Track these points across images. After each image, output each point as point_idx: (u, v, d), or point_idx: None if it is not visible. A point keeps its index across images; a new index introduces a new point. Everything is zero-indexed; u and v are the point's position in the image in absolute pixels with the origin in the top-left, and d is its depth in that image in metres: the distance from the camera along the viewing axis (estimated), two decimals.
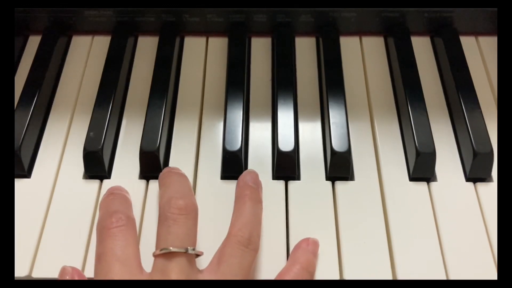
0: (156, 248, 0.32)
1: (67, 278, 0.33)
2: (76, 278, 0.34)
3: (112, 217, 0.33)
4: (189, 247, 0.31)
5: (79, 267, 0.35)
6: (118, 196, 0.36)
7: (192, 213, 0.33)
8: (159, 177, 0.37)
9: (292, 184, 0.39)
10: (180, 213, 0.32)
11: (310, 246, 0.35)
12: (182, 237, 0.32)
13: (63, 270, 0.34)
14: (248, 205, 0.35)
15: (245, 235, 0.33)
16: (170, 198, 0.33)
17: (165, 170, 0.37)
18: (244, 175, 0.37)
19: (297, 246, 0.36)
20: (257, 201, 0.36)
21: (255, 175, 0.38)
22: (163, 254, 0.31)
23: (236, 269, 0.32)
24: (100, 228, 0.33)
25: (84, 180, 0.40)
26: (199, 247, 0.36)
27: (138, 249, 0.33)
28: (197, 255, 0.33)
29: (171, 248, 0.31)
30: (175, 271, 0.31)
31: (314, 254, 0.35)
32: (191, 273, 0.31)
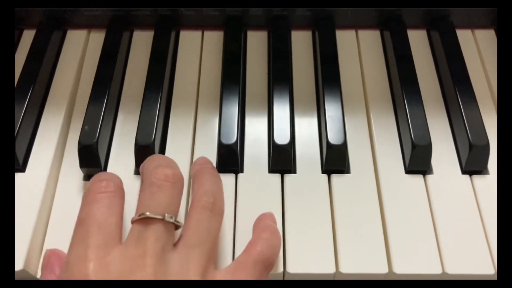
0: (135, 214, 0.31)
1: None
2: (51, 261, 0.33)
3: (102, 182, 0.33)
4: (167, 214, 0.31)
5: None
6: (111, 174, 0.36)
7: (178, 182, 0.33)
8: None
9: (288, 177, 0.39)
10: (166, 180, 0.32)
11: (269, 217, 0.36)
12: (164, 205, 0.31)
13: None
14: (208, 177, 0.35)
15: (210, 200, 0.33)
16: (158, 165, 0.33)
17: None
18: (196, 160, 0.38)
19: (257, 220, 0.36)
20: (216, 175, 0.36)
21: (206, 158, 0.38)
22: (141, 220, 0.30)
23: (204, 234, 0.32)
24: (86, 192, 0.33)
25: (79, 174, 0.39)
26: None
27: (121, 219, 0.32)
28: (177, 227, 0.32)
29: (148, 213, 0.30)
30: (151, 239, 0.30)
31: (275, 223, 0.35)
32: (166, 243, 0.31)
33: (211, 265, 0.32)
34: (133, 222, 0.31)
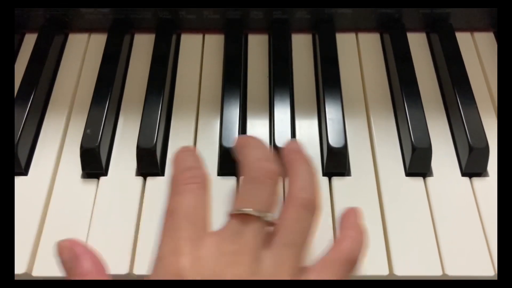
0: (234, 208, 0.30)
1: (66, 254, 0.30)
2: (76, 251, 0.30)
3: (188, 172, 0.32)
4: (268, 213, 0.30)
5: None
6: (192, 152, 0.35)
7: (277, 180, 0.31)
8: (236, 140, 0.36)
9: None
10: (268, 177, 0.31)
11: (357, 213, 0.34)
12: (266, 202, 0.30)
13: (59, 247, 0.30)
14: (304, 167, 0.33)
15: (308, 197, 0.31)
16: (258, 159, 0.31)
17: (240, 136, 0.36)
18: (289, 144, 0.36)
19: (344, 215, 0.34)
20: (312, 166, 0.34)
21: (300, 144, 0.36)
22: (240, 215, 0.29)
23: (300, 234, 0.30)
24: (175, 181, 0.32)
25: (81, 177, 0.40)
26: None
27: (209, 211, 0.31)
28: (272, 224, 0.31)
29: (251, 209, 0.29)
30: (249, 236, 0.29)
31: (361, 220, 0.34)
32: (262, 241, 0.30)
33: (300, 265, 0.31)
34: (230, 215, 0.30)
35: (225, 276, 0.28)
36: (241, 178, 0.33)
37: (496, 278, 0.35)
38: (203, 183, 0.32)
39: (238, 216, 0.30)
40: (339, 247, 0.31)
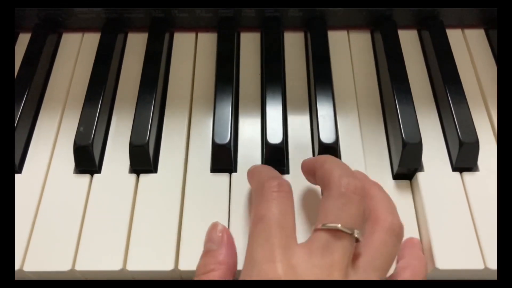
0: (320, 222, 0.30)
1: (218, 234, 0.33)
2: (225, 235, 0.33)
3: (275, 180, 0.32)
4: (356, 230, 0.30)
5: (70, 260, 0.36)
6: (269, 167, 0.36)
7: (364, 197, 0.31)
8: (302, 163, 0.37)
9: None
10: (355, 193, 0.31)
11: (417, 245, 0.35)
12: (355, 219, 0.30)
13: (214, 225, 0.34)
14: (383, 193, 0.34)
15: (397, 223, 0.32)
16: (346, 176, 0.31)
17: (308, 159, 0.37)
18: (357, 173, 0.35)
19: (405, 244, 0.35)
20: (385, 191, 0.35)
21: (362, 173, 0.37)
22: (329, 230, 0.29)
23: (387, 259, 0.31)
24: (261, 188, 0.32)
25: (75, 174, 0.40)
26: (190, 237, 0.36)
27: (295, 220, 0.31)
28: (357, 240, 0.30)
29: (339, 225, 0.29)
30: (339, 252, 0.29)
31: (422, 251, 0.35)
32: (350, 257, 0.30)
33: None
34: (318, 230, 0.30)
35: None
36: (325, 193, 0.32)
37: (485, 271, 0.35)
38: (289, 193, 0.32)
39: (328, 231, 0.30)
40: (402, 273, 0.32)
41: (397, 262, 0.34)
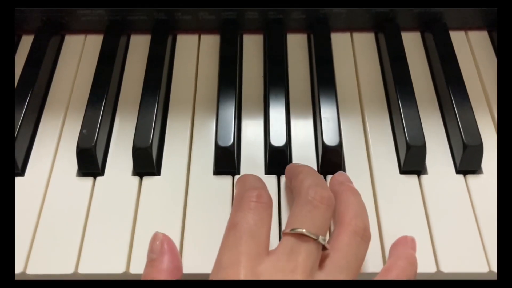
0: (287, 227, 0.31)
1: (157, 243, 0.34)
2: (165, 244, 0.34)
3: (255, 191, 0.33)
4: (321, 236, 0.31)
5: (73, 263, 0.35)
6: (257, 176, 0.36)
7: (331, 207, 0.33)
8: (286, 169, 0.38)
9: (284, 178, 0.39)
10: (322, 202, 0.32)
11: (410, 243, 0.35)
12: (318, 225, 0.31)
13: (155, 236, 0.35)
14: (354, 198, 0.35)
15: (361, 225, 0.33)
16: (315, 185, 0.33)
17: (291, 164, 0.38)
18: (337, 176, 0.38)
19: (397, 242, 0.35)
20: (359, 195, 0.35)
21: (347, 176, 0.38)
22: (295, 235, 0.31)
23: (353, 260, 0.32)
24: (240, 198, 0.33)
25: (78, 177, 0.40)
26: (192, 239, 0.36)
27: (270, 231, 0.32)
28: (324, 248, 0.32)
29: (304, 230, 0.30)
30: (303, 255, 0.30)
31: (414, 250, 0.35)
32: (315, 262, 0.31)
33: None
34: (285, 234, 0.31)
35: None
36: (295, 201, 0.34)
37: (489, 276, 0.35)
38: (268, 204, 0.33)
39: (293, 235, 0.31)
40: (386, 275, 0.33)
41: (388, 257, 0.35)
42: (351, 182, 0.37)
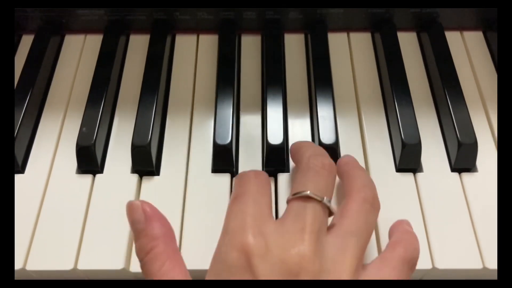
0: (291, 193, 0.31)
1: (139, 212, 0.31)
2: (147, 209, 0.31)
3: (253, 172, 0.34)
4: (325, 197, 0.31)
5: (72, 260, 0.36)
6: (257, 171, 0.36)
7: (333, 172, 0.33)
8: (290, 150, 0.38)
9: (281, 176, 0.40)
10: (323, 168, 0.32)
11: (407, 225, 0.35)
12: (321, 187, 0.31)
13: (132, 204, 0.31)
14: (362, 172, 0.35)
15: (370, 193, 0.33)
16: (316, 155, 0.33)
17: (294, 144, 0.38)
18: (344, 158, 0.37)
19: (396, 224, 0.35)
20: (366, 171, 0.36)
21: (353, 158, 0.38)
22: (300, 198, 0.31)
23: (363, 226, 0.31)
24: (240, 176, 0.34)
25: (77, 175, 0.40)
26: (191, 237, 0.37)
27: (271, 200, 0.32)
28: (330, 213, 0.32)
29: (308, 192, 0.30)
30: (310, 215, 0.30)
31: (411, 227, 0.35)
32: (322, 224, 0.30)
33: (362, 259, 0.31)
34: (289, 200, 0.31)
35: (289, 253, 0.28)
36: (297, 171, 0.34)
37: (483, 270, 0.35)
38: (267, 180, 0.34)
39: (298, 199, 0.31)
40: (396, 246, 0.32)
41: (389, 239, 0.35)
42: (357, 162, 0.37)
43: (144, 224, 0.30)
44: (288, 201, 0.32)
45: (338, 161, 0.37)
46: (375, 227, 0.33)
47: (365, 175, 0.35)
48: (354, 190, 0.33)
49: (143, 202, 0.31)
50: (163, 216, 0.31)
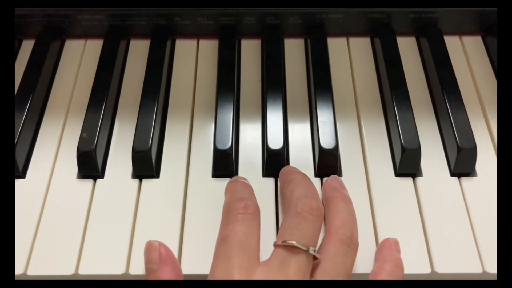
0: (279, 239, 0.32)
1: (155, 253, 0.33)
2: (163, 252, 0.33)
3: (242, 202, 0.34)
4: (311, 247, 0.32)
5: (73, 265, 0.36)
6: (245, 184, 0.37)
7: (320, 217, 0.33)
8: (280, 173, 0.38)
9: None
10: (311, 213, 0.33)
11: (393, 245, 0.36)
12: (309, 236, 0.32)
13: (150, 245, 0.34)
14: (343, 205, 0.35)
15: (347, 234, 0.33)
16: (304, 196, 0.34)
17: (286, 168, 0.39)
18: (330, 180, 0.38)
19: (381, 246, 0.36)
20: (350, 202, 0.36)
21: (340, 180, 0.39)
22: (286, 247, 0.31)
23: (341, 268, 0.32)
24: (227, 211, 0.34)
25: (78, 180, 0.40)
26: (191, 241, 0.37)
27: (259, 241, 0.33)
28: (315, 259, 0.32)
29: (295, 242, 0.31)
30: (294, 267, 0.31)
31: (399, 252, 0.36)
32: (306, 273, 0.32)
33: None
34: (276, 246, 0.32)
35: None
36: (285, 212, 0.35)
37: (483, 275, 0.35)
38: (255, 214, 0.34)
39: (284, 247, 0.32)
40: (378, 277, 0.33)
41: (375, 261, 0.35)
42: (343, 187, 0.38)
43: (157, 266, 0.33)
44: (275, 246, 0.32)
45: (325, 182, 0.38)
46: (352, 266, 0.34)
47: (345, 209, 0.35)
48: (332, 230, 0.34)
49: (160, 244, 0.34)
50: (176, 261, 0.34)
